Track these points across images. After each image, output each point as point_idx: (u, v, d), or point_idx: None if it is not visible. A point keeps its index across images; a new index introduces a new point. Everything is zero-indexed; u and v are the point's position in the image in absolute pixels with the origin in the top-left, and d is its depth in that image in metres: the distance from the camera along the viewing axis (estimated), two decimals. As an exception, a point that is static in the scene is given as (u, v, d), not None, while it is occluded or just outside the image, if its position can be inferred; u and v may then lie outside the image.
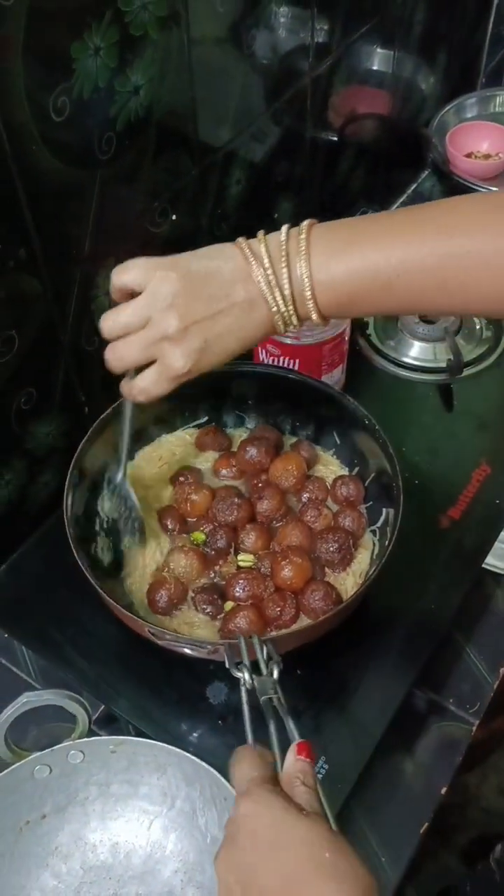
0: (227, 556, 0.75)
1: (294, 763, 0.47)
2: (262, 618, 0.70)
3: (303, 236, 0.55)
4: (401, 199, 1.33)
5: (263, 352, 0.87)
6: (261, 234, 0.58)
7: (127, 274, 0.59)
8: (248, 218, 0.98)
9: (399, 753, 0.73)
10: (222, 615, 0.71)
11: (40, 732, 0.75)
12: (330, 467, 0.83)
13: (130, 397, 0.63)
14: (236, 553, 0.75)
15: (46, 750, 0.65)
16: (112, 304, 0.61)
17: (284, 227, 0.57)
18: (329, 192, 1.15)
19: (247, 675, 0.53)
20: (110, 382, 0.86)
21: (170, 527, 0.78)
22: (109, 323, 0.59)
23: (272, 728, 0.49)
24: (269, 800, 0.44)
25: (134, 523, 0.75)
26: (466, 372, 0.95)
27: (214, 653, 0.62)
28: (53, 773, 0.66)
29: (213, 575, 0.74)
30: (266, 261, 0.55)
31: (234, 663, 0.54)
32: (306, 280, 0.54)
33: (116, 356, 0.60)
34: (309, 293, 0.55)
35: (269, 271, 0.55)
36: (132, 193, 0.77)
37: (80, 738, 0.69)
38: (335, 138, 1.10)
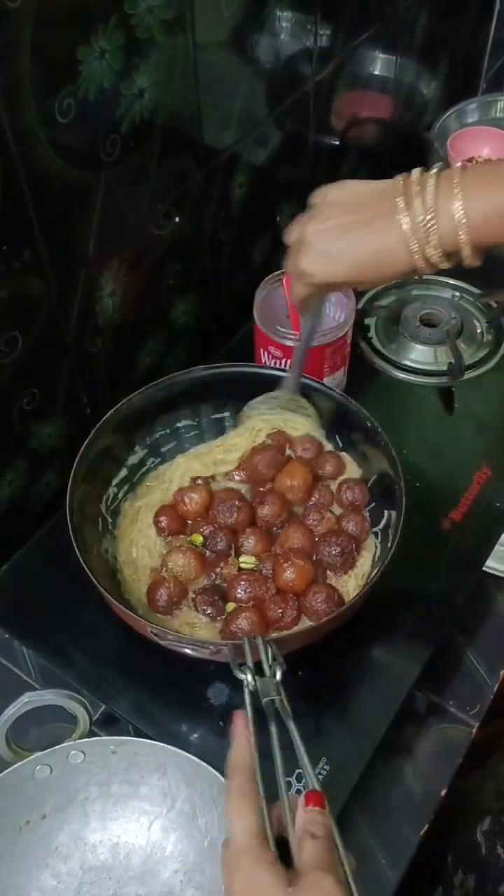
0: (227, 558, 0.75)
1: (303, 815, 0.45)
2: (264, 619, 0.70)
3: (456, 177, 0.56)
4: (402, 204, 1.33)
5: (266, 354, 0.87)
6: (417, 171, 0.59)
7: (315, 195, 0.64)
8: (252, 221, 0.98)
9: (399, 755, 0.73)
10: (223, 616, 0.71)
11: (41, 733, 0.75)
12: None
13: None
14: (237, 555, 0.75)
15: (47, 750, 0.65)
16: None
17: (435, 168, 0.59)
18: (331, 196, 1.15)
19: (250, 677, 0.53)
20: (113, 384, 0.87)
21: (163, 525, 0.77)
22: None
23: (273, 730, 0.49)
24: (256, 874, 0.43)
25: None
26: (467, 375, 0.95)
27: (217, 653, 0.62)
28: (54, 773, 0.66)
29: (213, 577, 0.74)
30: (427, 194, 0.56)
31: (238, 664, 0.55)
32: (460, 210, 0.55)
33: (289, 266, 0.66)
34: (464, 220, 0.55)
35: (431, 206, 0.56)
36: (136, 195, 0.77)
37: (80, 738, 0.69)
38: (337, 142, 1.11)
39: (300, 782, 0.50)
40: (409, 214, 0.56)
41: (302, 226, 0.62)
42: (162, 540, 0.78)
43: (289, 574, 0.71)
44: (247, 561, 0.74)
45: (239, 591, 0.71)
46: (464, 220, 0.55)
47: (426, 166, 0.59)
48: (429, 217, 0.56)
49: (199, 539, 0.77)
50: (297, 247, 0.63)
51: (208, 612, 0.71)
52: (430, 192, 0.56)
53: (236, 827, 0.45)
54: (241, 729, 0.49)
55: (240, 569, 0.74)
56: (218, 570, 0.74)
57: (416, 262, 0.57)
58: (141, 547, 0.78)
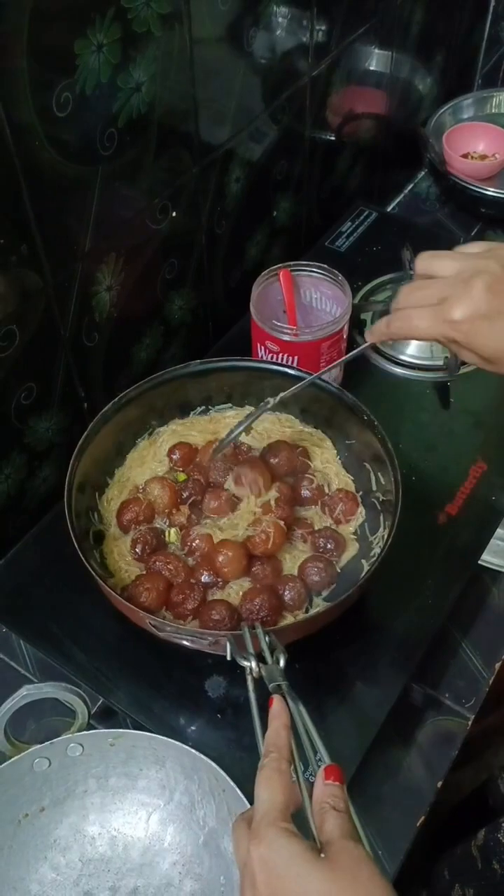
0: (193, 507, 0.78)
1: (323, 788, 0.45)
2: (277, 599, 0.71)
3: None
4: (398, 199, 1.34)
5: (262, 349, 0.87)
6: None
7: (439, 262, 0.59)
8: (248, 216, 0.98)
9: (395, 747, 0.74)
10: (146, 565, 0.75)
11: (39, 726, 0.75)
12: (330, 466, 0.83)
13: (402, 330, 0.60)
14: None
15: (45, 743, 0.65)
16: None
17: None
18: (327, 191, 1.15)
19: (253, 664, 0.54)
20: (110, 379, 0.87)
21: (127, 519, 0.77)
22: (411, 292, 0.59)
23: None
24: (282, 844, 0.42)
25: None
26: (463, 370, 0.95)
27: (215, 644, 0.62)
28: (52, 766, 0.66)
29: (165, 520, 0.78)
30: None
31: (239, 653, 0.55)
32: None
33: (404, 321, 0.59)
34: None
35: None
36: (133, 190, 0.77)
37: (79, 731, 0.70)
38: (333, 138, 1.11)
39: (307, 770, 0.49)
40: None
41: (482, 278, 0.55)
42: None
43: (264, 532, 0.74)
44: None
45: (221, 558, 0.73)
46: None
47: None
48: None
49: (182, 477, 0.80)
50: (462, 286, 0.56)
51: (138, 551, 0.75)
52: None
53: (262, 797, 0.45)
54: (279, 711, 0.49)
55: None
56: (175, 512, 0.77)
57: None
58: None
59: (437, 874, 0.87)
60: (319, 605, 0.73)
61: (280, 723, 0.49)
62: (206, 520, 0.77)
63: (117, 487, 0.81)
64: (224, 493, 0.77)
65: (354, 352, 0.71)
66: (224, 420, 0.86)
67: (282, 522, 0.75)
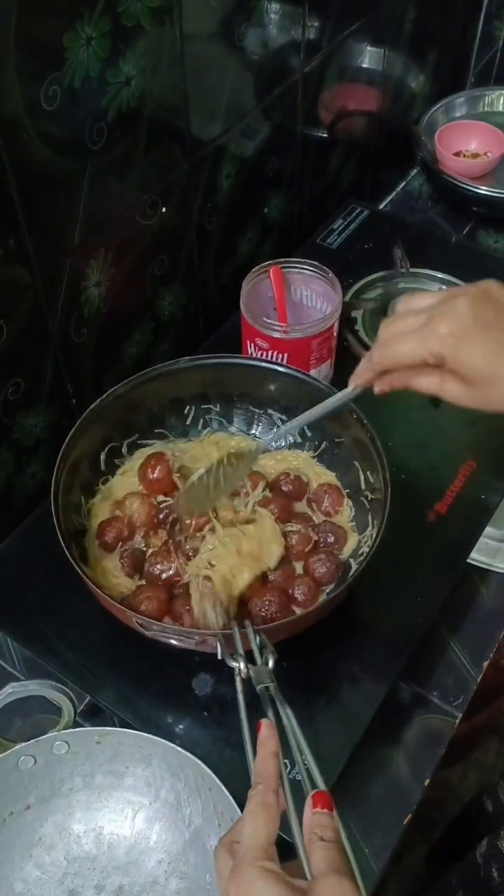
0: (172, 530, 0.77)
1: (311, 818, 0.44)
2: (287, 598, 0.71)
3: None
4: (389, 197, 1.34)
5: (252, 345, 0.87)
6: None
7: (418, 298, 0.59)
8: (239, 212, 0.98)
9: (383, 745, 0.74)
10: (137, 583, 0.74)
11: (25, 724, 0.74)
12: (314, 469, 0.83)
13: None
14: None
15: (31, 741, 0.64)
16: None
17: None
18: (319, 189, 1.15)
19: (242, 665, 0.53)
20: (99, 375, 0.86)
21: (108, 541, 0.76)
22: (392, 323, 0.59)
23: (270, 715, 0.49)
24: (262, 886, 0.41)
25: None
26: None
27: (202, 644, 0.62)
28: (38, 764, 0.66)
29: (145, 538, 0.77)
30: None
31: (229, 653, 0.55)
32: None
33: (389, 348, 0.59)
34: None
35: None
36: (123, 185, 0.77)
37: (65, 729, 0.69)
38: (325, 135, 1.11)
39: (293, 769, 0.49)
40: None
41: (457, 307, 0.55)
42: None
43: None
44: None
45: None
46: None
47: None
48: None
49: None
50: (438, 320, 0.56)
51: (126, 568, 0.74)
52: None
53: (246, 833, 0.44)
54: (266, 738, 0.48)
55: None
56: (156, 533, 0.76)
57: None
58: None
59: (444, 881, 0.87)
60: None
61: (267, 751, 0.48)
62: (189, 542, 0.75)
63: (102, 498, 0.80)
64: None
65: (339, 399, 0.67)
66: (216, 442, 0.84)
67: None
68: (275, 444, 0.80)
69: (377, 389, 0.63)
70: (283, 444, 0.85)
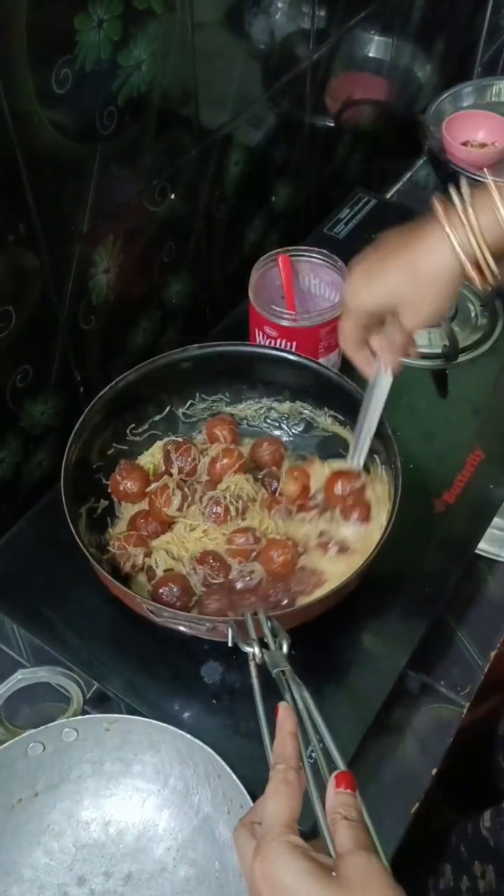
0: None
1: (335, 797, 0.44)
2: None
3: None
4: (396, 187, 1.33)
5: (261, 334, 0.86)
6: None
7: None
8: (246, 201, 0.97)
9: (391, 734, 0.74)
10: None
11: (33, 711, 0.74)
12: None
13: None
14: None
15: (40, 727, 0.64)
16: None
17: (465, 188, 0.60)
18: (326, 178, 1.14)
19: (256, 649, 0.53)
20: (106, 362, 0.86)
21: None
22: None
23: (289, 698, 0.49)
24: (288, 861, 0.41)
25: None
26: (461, 358, 0.95)
27: (213, 630, 0.62)
28: (47, 751, 0.65)
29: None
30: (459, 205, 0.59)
31: (241, 639, 0.54)
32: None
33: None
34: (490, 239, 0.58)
35: (463, 216, 0.58)
36: (132, 170, 0.76)
37: (73, 716, 0.69)
38: (332, 124, 1.10)
39: (307, 748, 0.48)
40: (451, 225, 0.58)
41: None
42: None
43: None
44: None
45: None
46: None
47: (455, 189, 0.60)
48: (471, 220, 0.57)
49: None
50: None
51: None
52: (468, 202, 0.58)
53: (268, 810, 0.44)
54: (284, 719, 0.48)
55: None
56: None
57: (466, 267, 0.58)
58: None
59: (457, 849, 0.87)
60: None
61: (286, 732, 0.48)
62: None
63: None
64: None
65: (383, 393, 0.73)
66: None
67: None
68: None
69: (389, 372, 0.70)
70: (286, 437, 0.86)
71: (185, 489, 0.77)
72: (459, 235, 0.58)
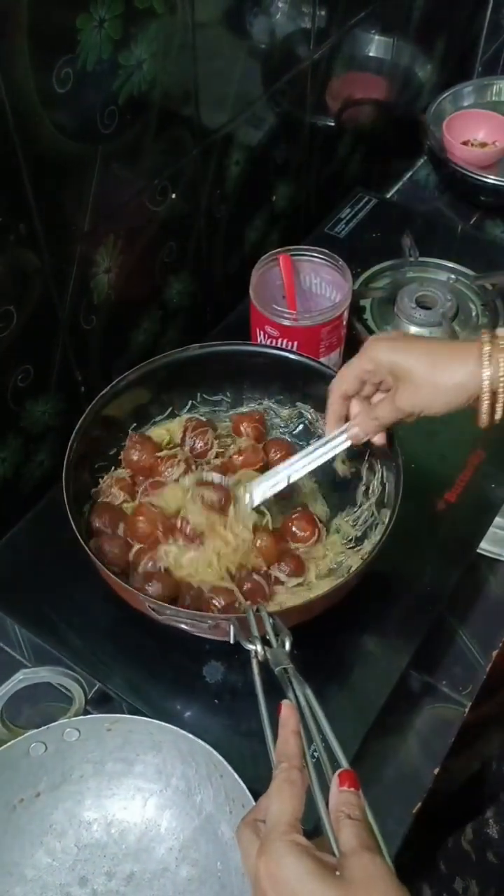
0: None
1: (338, 796, 0.44)
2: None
3: None
4: (397, 186, 1.33)
5: (262, 333, 0.86)
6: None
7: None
8: (247, 200, 0.97)
9: (392, 734, 0.74)
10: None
11: (35, 711, 0.74)
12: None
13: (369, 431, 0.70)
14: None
15: (42, 727, 0.64)
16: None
17: None
18: (326, 177, 1.14)
19: (259, 647, 0.53)
20: (107, 362, 0.86)
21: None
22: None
23: (291, 696, 0.49)
24: (292, 860, 0.41)
25: None
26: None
27: (215, 628, 0.62)
28: (48, 751, 0.65)
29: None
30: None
31: (243, 636, 0.54)
32: None
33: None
34: None
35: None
36: (133, 170, 0.76)
37: (75, 716, 0.69)
38: (333, 123, 1.10)
39: (310, 746, 0.48)
40: (490, 357, 0.60)
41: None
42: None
43: None
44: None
45: None
46: None
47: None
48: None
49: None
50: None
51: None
52: None
53: (272, 809, 0.44)
54: (287, 718, 0.48)
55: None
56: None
57: (483, 396, 0.61)
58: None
59: (435, 867, 0.87)
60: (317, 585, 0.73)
61: (288, 730, 0.48)
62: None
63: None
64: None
65: (329, 450, 0.73)
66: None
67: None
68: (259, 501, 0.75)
69: (353, 438, 0.71)
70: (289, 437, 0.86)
71: (192, 466, 0.77)
72: (492, 371, 0.60)
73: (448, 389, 0.62)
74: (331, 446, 0.72)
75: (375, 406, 0.68)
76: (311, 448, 0.73)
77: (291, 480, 0.73)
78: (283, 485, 0.73)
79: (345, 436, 0.71)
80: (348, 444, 0.71)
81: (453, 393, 0.62)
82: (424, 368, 0.63)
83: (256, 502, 0.74)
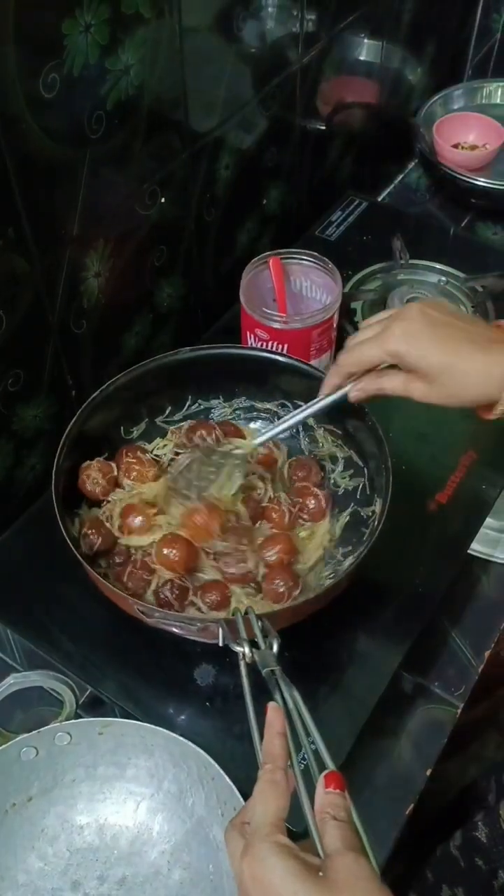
0: None
1: (324, 797, 0.44)
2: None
3: None
4: (388, 189, 1.34)
5: (252, 337, 0.87)
6: None
7: (375, 316, 0.67)
8: (237, 204, 0.98)
9: (385, 735, 0.74)
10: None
11: (26, 716, 0.74)
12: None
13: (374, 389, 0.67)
14: None
15: (33, 732, 0.64)
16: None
17: None
18: (317, 180, 1.15)
19: (247, 649, 0.53)
20: (98, 366, 0.86)
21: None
22: (354, 336, 0.67)
23: (279, 698, 0.49)
24: (275, 862, 0.41)
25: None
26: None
27: (204, 631, 0.62)
28: (40, 755, 0.65)
29: None
30: None
31: (232, 639, 0.54)
32: None
33: (352, 352, 0.66)
34: None
35: None
36: (122, 174, 0.76)
37: (66, 720, 0.69)
38: (323, 127, 1.10)
39: (298, 753, 0.48)
40: None
41: (397, 317, 0.63)
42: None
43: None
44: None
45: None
46: None
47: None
48: None
49: None
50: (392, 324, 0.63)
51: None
52: None
53: (256, 810, 0.44)
54: (272, 719, 0.49)
55: None
56: None
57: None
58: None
59: (421, 876, 0.87)
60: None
61: (274, 731, 0.48)
62: None
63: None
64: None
65: (318, 405, 0.71)
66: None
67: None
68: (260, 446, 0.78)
69: (352, 396, 0.69)
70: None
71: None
72: None
73: (464, 397, 0.62)
74: (332, 399, 0.70)
75: (383, 376, 0.66)
76: (303, 407, 0.72)
77: (290, 424, 0.73)
78: (278, 429, 0.74)
79: (342, 392, 0.69)
80: (345, 398, 0.69)
81: (470, 398, 0.62)
82: (440, 369, 0.61)
83: (260, 441, 0.75)
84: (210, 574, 0.73)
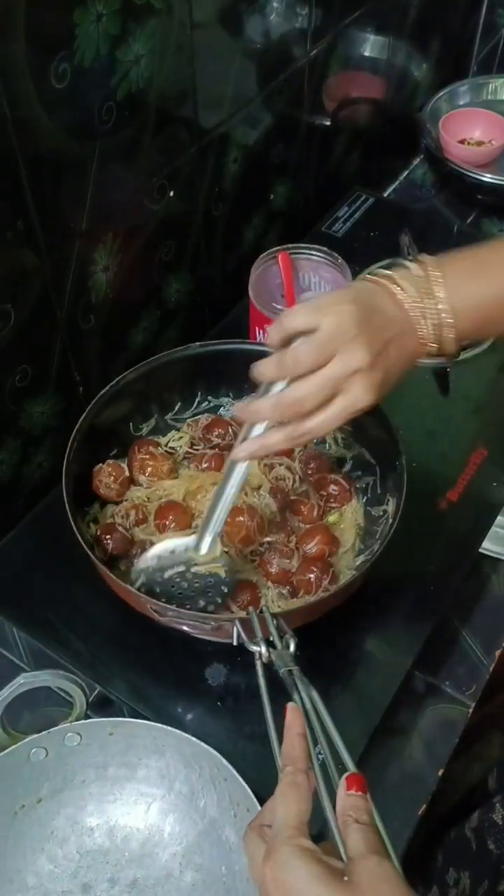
0: None
1: (346, 800, 0.43)
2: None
3: (437, 272, 0.59)
4: (394, 185, 1.33)
5: (261, 332, 0.86)
6: (380, 271, 0.61)
7: (297, 317, 0.57)
8: (245, 199, 0.97)
9: (397, 735, 0.73)
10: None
11: (35, 716, 0.73)
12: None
13: (289, 442, 0.59)
14: None
15: (43, 732, 0.63)
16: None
17: (412, 264, 0.60)
18: (324, 176, 1.14)
19: (263, 648, 0.52)
20: (106, 362, 0.85)
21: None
22: (289, 362, 0.57)
23: (297, 698, 0.48)
24: (299, 865, 0.40)
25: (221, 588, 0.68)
26: (462, 356, 0.94)
27: (218, 630, 0.61)
28: (50, 756, 0.64)
29: None
30: (413, 292, 0.59)
31: (247, 638, 0.54)
32: (447, 308, 0.59)
33: (296, 397, 0.57)
34: (451, 320, 0.59)
35: (418, 302, 0.59)
36: (131, 168, 0.76)
37: (76, 720, 0.68)
38: (330, 123, 1.09)
39: (315, 746, 0.48)
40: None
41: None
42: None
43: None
44: None
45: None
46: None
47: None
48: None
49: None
50: (342, 379, 0.57)
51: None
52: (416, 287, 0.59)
53: (278, 813, 0.44)
54: (292, 721, 0.48)
55: None
56: None
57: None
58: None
59: (431, 859, 0.87)
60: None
61: (294, 733, 0.47)
62: None
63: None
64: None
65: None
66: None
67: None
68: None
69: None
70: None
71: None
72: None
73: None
74: (239, 470, 0.64)
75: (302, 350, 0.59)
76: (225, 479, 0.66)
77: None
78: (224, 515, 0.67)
79: (241, 463, 0.63)
80: (245, 466, 0.64)
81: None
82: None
83: (206, 547, 0.68)
84: (247, 574, 0.72)
